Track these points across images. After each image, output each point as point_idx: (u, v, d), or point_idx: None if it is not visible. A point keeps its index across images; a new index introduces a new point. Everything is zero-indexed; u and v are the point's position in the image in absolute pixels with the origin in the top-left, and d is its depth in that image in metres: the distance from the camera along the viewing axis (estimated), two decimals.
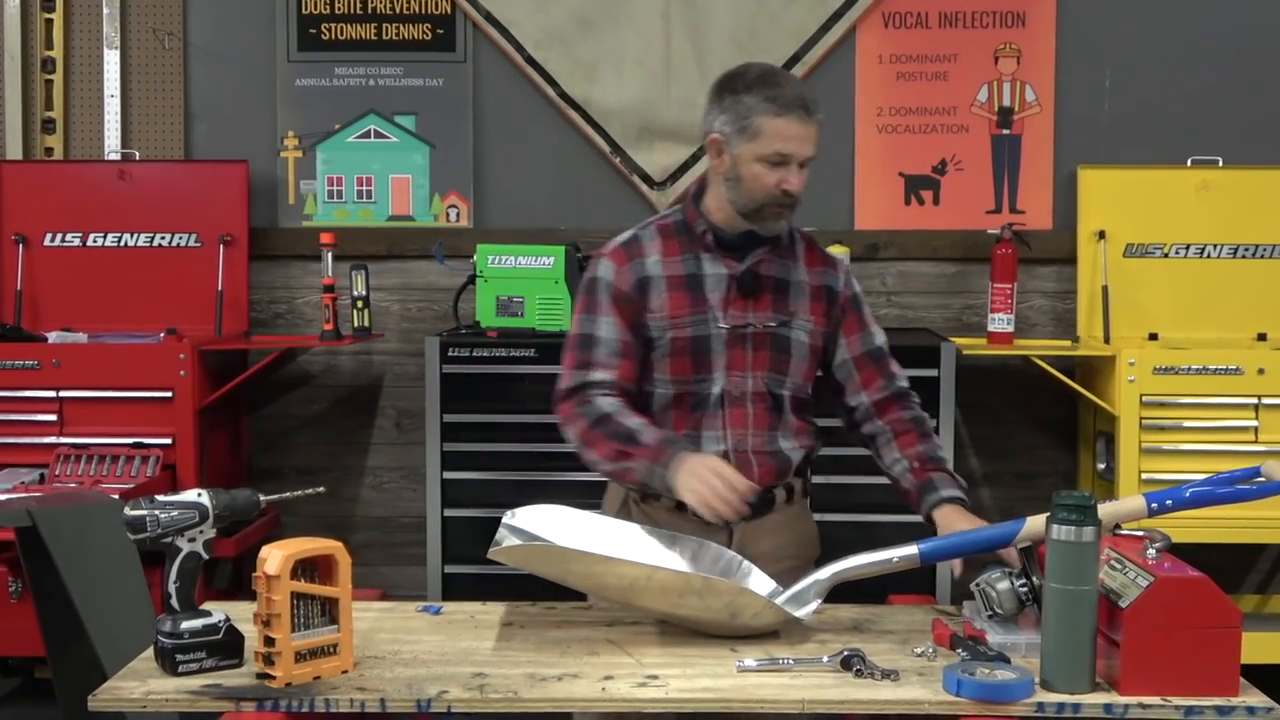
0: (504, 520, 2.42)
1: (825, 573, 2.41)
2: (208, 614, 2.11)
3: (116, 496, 3.66)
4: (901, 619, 2.46)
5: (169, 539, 2.09)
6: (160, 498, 2.10)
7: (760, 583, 2.45)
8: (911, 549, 2.39)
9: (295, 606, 2.02)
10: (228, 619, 2.12)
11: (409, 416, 4.72)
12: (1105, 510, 2.25)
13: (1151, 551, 2.08)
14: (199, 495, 2.11)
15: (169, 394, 4.14)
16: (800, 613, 2.35)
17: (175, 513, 2.09)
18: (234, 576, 4.49)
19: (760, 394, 2.69)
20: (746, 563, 2.48)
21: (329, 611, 2.07)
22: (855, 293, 2.80)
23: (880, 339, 2.81)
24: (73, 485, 3.99)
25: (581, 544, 2.37)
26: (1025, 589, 2.27)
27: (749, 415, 2.68)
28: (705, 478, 2.46)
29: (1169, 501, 2.34)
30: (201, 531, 2.11)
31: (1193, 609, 1.99)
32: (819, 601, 2.38)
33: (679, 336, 2.65)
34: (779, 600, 2.36)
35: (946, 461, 2.73)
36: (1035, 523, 2.34)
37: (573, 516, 2.49)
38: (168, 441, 4.14)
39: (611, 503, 2.82)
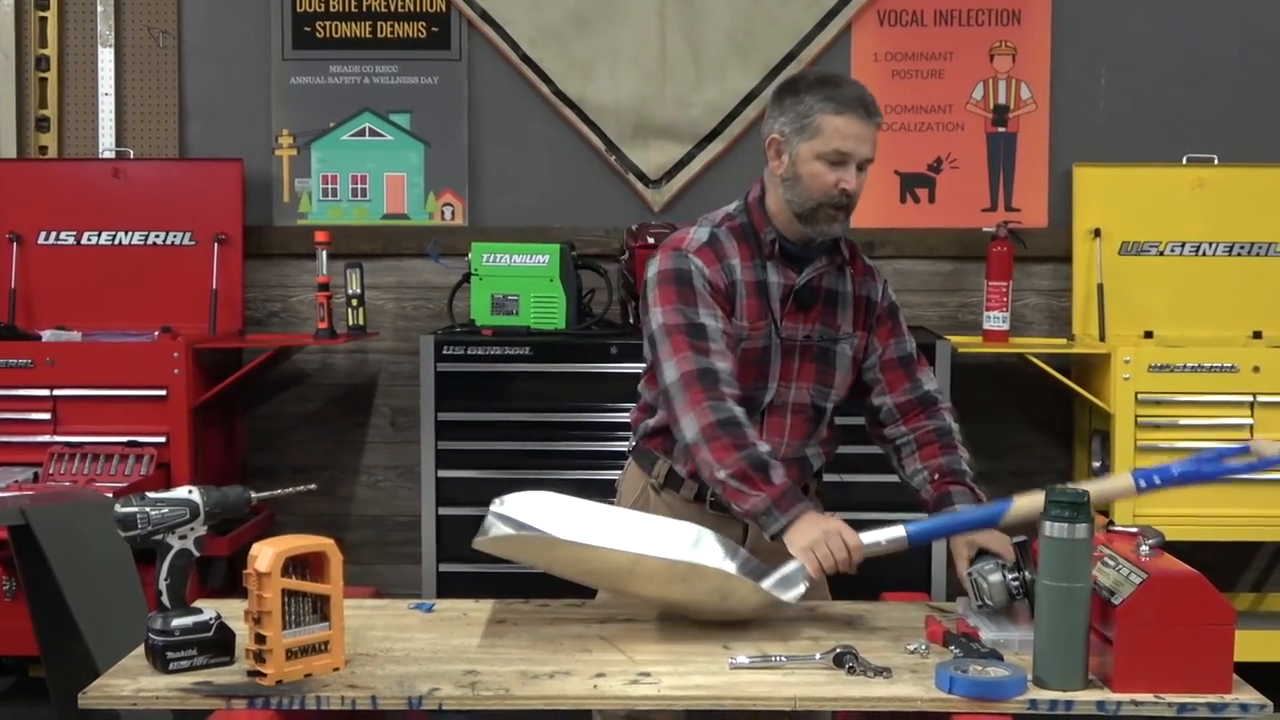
0: (492, 508, 2.41)
1: None
2: (199, 611, 2.10)
3: (110, 495, 3.66)
4: (895, 616, 2.45)
5: (160, 536, 2.08)
6: (151, 495, 2.09)
7: (748, 565, 2.45)
8: (899, 531, 2.39)
9: (286, 604, 2.01)
10: (219, 616, 2.11)
11: (404, 415, 4.71)
12: (1094, 489, 2.21)
13: (1145, 548, 2.08)
14: (190, 492, 2.11)
15: (163, 392, 4.13)
16: (787, 596, 2.35)
17: (166, 510, 2.08)
18: (228, 575, 4.48)
19: (803, 405, 2.67)
20: (742, 550, 2.48)
21: (320, 609, 2.06)
22: (892, 302, 2.78)
23: (911, 346, 2.78)
24: (67, 484, 3.98)
25: (571, 531, 2.37)
26: (1017, 582, 2.27)
27: (787, 425, 2.66)
28: (823, 541, 2.38)
29: (1157, 479, 2.32)
30: (192, 529, 2.10)
31: (1186, 606, 1.99)
32: (806, 585, 2.38)
33: (750, 347, 2.63)
34: (766, 584, 2.36)
35: (968, 475, 2.68)
36: (1023, 503, 2.35)
37: (562, 503, 2.48)
38: (162, 440, 4.14)
39: (631, 488, 2.79)
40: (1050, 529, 2.00)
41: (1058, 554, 2.00)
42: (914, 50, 4.63)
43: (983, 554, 2.40)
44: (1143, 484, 2.32)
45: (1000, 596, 2.29)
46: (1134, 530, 2.17)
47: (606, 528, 2.43)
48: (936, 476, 2.66)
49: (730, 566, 2.41)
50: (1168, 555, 2.11)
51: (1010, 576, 2.28)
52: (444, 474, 4.12)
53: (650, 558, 2.30)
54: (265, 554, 2.00)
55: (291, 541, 2.04)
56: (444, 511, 4.13)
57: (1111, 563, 2.09)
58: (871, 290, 2.75)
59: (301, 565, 2.04)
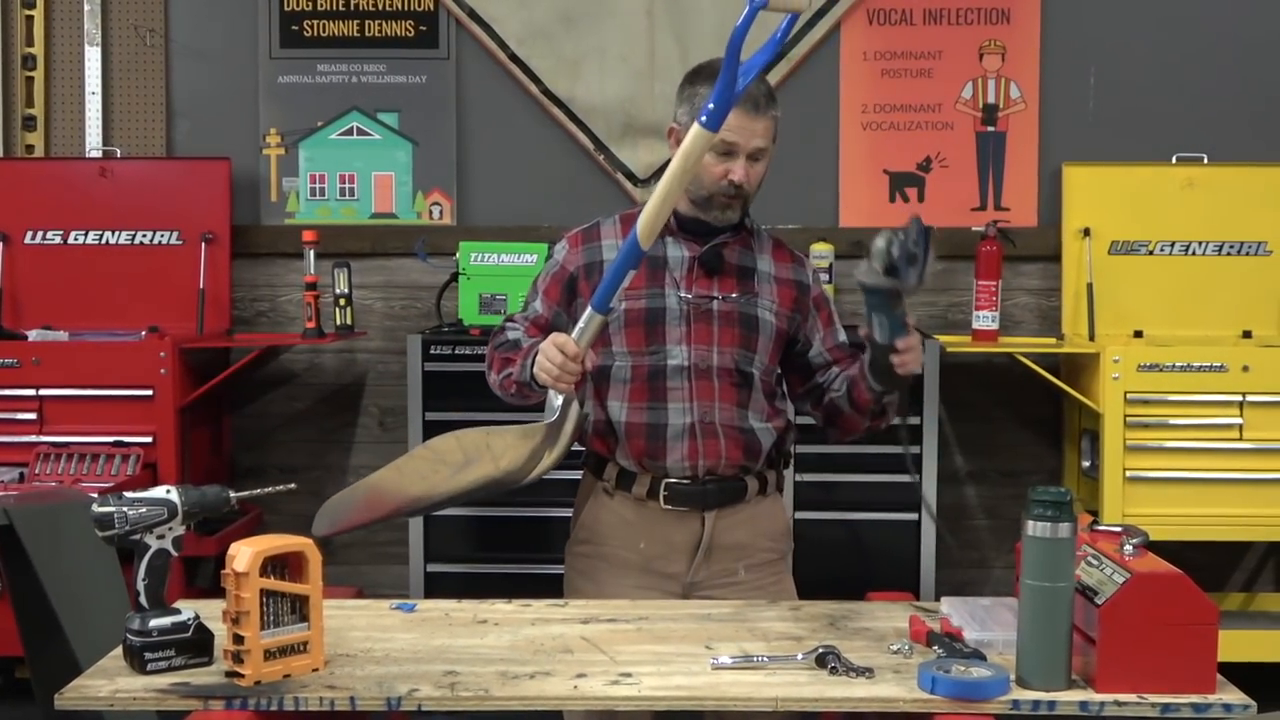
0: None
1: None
2: (177, 612, 2.09)
3: (94, 495, 3.64)
4: (879, 615, 2.44)
5: (137, 535, 2.07)
6: (129, 494, 2.08)
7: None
8: (589, 310, 2.50)
9: (265, 604, 2.00)
10: (197, 617, 2.10)
11: (392, 415, 4.70)
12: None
13: (1128, 548, 2.07)
14: (168, 492, 2.10)
15: (150, 392, 4.12)
16: (549, 419, 2.53)
17: (144, 509, 2.07)
18: (215, 576, 4.43)
19: (728, 369, 2.70)
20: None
21: (299, 609, 2.04)
22: (824, 292, 2.85)
23: (845, 336, 2.85)
24: (52, 484, 3.96)
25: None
26: (897, 248, 2.31)
27: (714, 388, 2.69)
28: (545, 353, 2.50)
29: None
30: (171, 528, 2.09)
31: (1169, 605, 1.98)
32: (560, 404, 2.52)
33: (633, 307, 2.69)
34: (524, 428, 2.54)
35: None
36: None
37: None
38: (148, 440, 4.12)
39: (584, 495, 2.82)
40: (1033, 528, 1.99)
41: (1041, 553, 1.99)
42: (903, 49, 4.63)
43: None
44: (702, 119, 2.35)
45: (880, 260, 2.33)
46: (1118, 529, 2.16)
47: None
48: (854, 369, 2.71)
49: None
50: (1151, 555, 2.10)
51: (896, 241, 2.31)
52: None
53: (439, 440, 2.55)
54: (243, 554, 1.99)
55: (270, 541, 2.02)
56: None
57: (1095, 562, 2.08)
58: (802, 276, 2.81)
59: (280, 565, 2.03)
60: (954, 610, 2.34)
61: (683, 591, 2.69)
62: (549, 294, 2.78)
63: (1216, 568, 4.54)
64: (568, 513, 2.86)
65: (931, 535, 4.04)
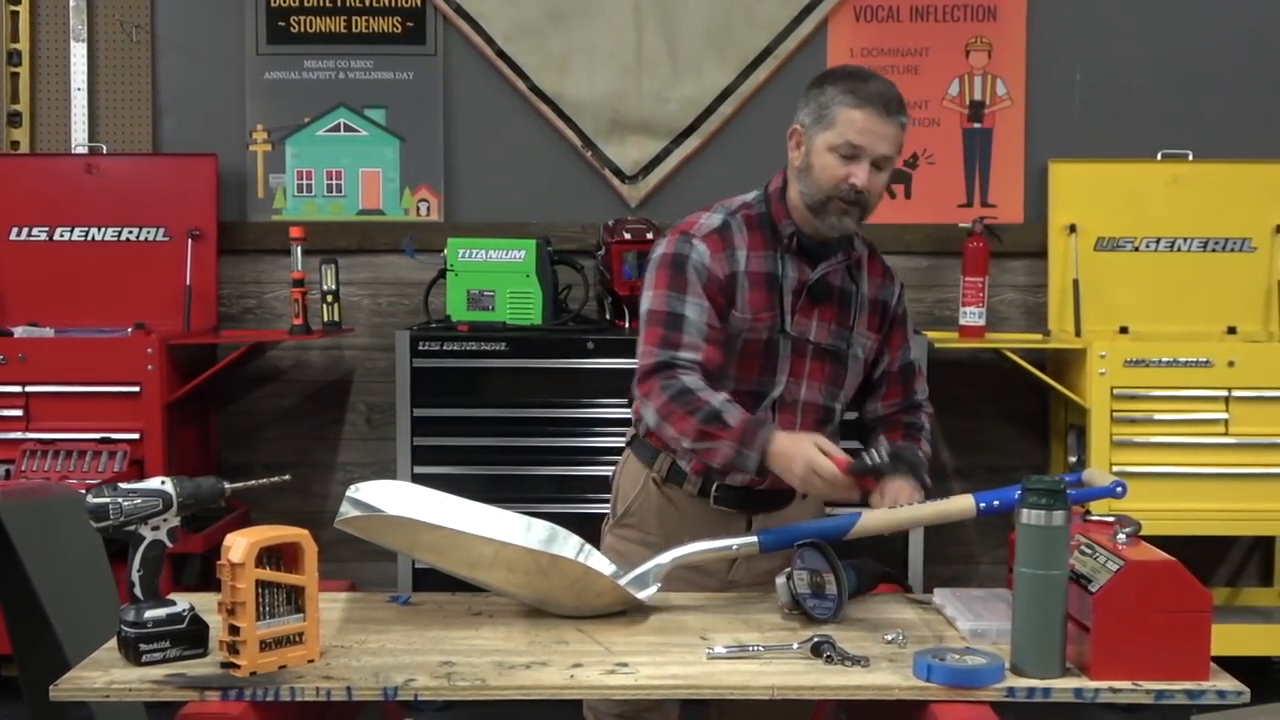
0: (348, 493, 2.39)
1: (666, 557, 2.43)
2: (172, 603, 2.08)
3: (83, 491, 3.62)
4: (872, 607, 2.44)
5: (132, 526, 2.06)
6: (124, 485, 2.07)
7: (600, 563, 2.47)
8: (752, 538, 2.43)
9: (260, 595, 1.99)
10: (192, 608, 2.09)
11: (380, 411, 4.69)
12: (934, 509, 2.35)
13: (1121, 536, 2.08)
14: (162, 483, 2.09)
15: (136, 389, 4.11)
16: (642, 595, 2.37)
17: (139, 500, 2.06)
18: (202, 572, 4.44)
19: (814, 404, 2.66)
20: (588, 546, 2.50)
21: (295, 600, 2.04)
22: (905, 309, 2.78)
23: (914, 354, 2.80)
24: (39, 481, 3.94)
25: (431, 517, 2.37)
26: (803, 584, 2.32)
27: (797, 423, 2.63)
28: (797, 469, 2.38)
29: (996, 503, 2.34)
30: (165, 519, 2.08)
31: (1163, 593, 1.98)
32: (659, 586, 2.40)
33: (753, 339, 2.60)
34: (623, 581, 2.38)
35: (918, 451, 2.65)
36: (871, 517, 2.38)
37: (416, 492, 2.49)
38: (135, 437, 4.11)
39: (630, 481, 2.77)
40: (1027, 516, 2.00)
41: (1035, 541, 2.00)
42: (890, 46, 4.63)
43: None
44: (983, 506, 2.35)
45: (784, 597, 2.35)
46: (1111, 519, 2.17)
47: (464, 518, 2.43)
48: (886, 440, 2.63)
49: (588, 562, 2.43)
50: (1144, 543, 2.11)
51: (796, 579, 2.33)
52: (420, 470, 4.11)
53: (514, 546, 2.31)
54: (239, 544, 1.98)
55: (265, 532, 2.02)
56: None
57: (1089, 551, 2.08)
58: (889, 295, 2.74)
59: (276, 556, 2.02)
60: (947, 601, 2.35)
61: (720, 589, 2.65)
62: (711, 301, 2.57)
63: (1202, 562, 4.53)
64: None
65: (920, 531, 4.04)
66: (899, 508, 2.39)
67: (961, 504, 2.36)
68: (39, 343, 4.20)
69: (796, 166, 2.60)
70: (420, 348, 4.12)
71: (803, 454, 2.37)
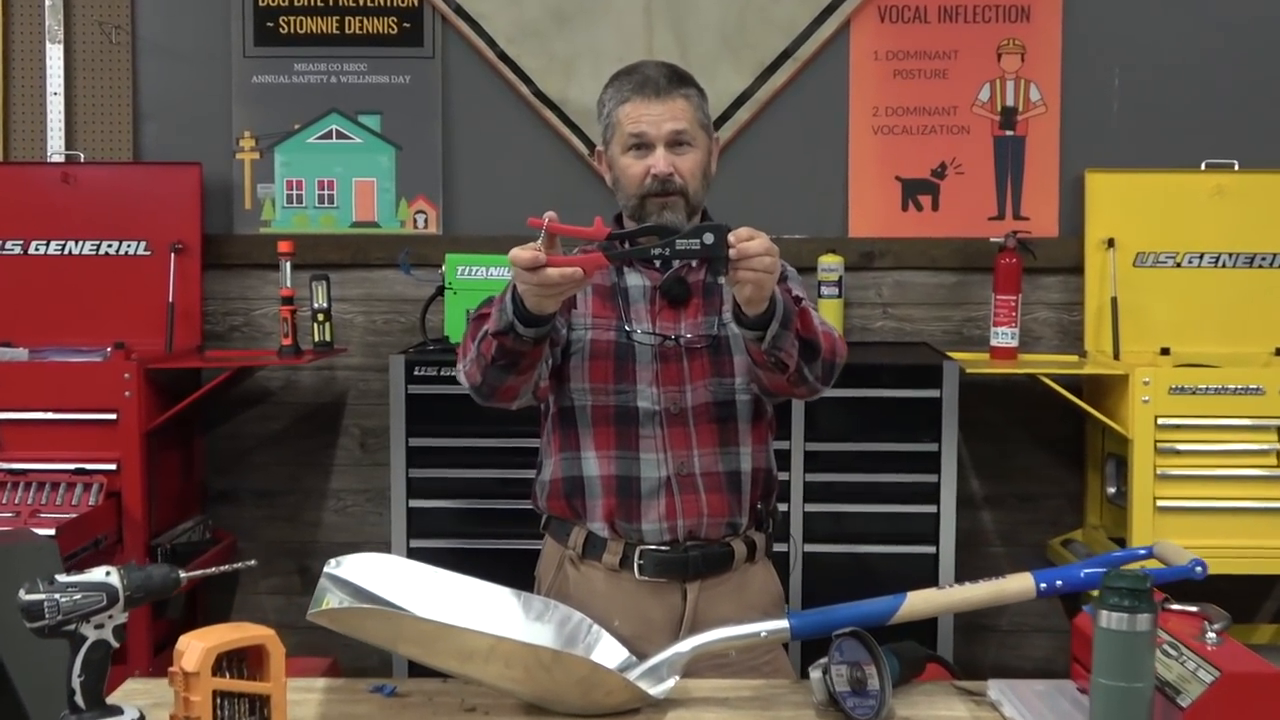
0: (326, 569, 2.14)
1: (686, 645, 2.16)
2: (119, 711, 1.83)
3: (51, 533, 3.40)
4: (918, 701, 2.17)
5: (72, 626, 1.80)
6: (61, 578, 1.81)
7: (610, 651, 2.22)
8: (783, 623, 2.15)
9: (219, 706, 1.74)
10: (142, 716, 1.83)
11: (374, 436, 4.46)
12: (990, 590, 2.12)
13: (1211, 635, 1.82)
14: (107, 574, 1.83)
15: (113, 416, 3.87)
16: (656, 690, 2.10)
17: (79, 596, 1.80)
18: (187, 607, 4.20)
19: (704, 406, 2.46)
20: (596, 627, 2.25)
21: (260, 710, 1.78)
22: (798, 295, 2.51)
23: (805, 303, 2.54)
24: (8, 515, 3.71)
25: (418, 602, 2.12)
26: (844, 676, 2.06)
27: (691, 434, 2.45)
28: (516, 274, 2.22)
29: (1059, 583, 2.11)
30: (111, 616, 1.82)
31: (1264, 708, 1.72)
32: (676, 679, 2.13)
33: (599, 339, 2.46)
34: (633, 675, 2.11)
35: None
36: (917, 599, 2.12)
37: (405, 568, 2.24)
38: (112, 467, 3.87)
39: (547, 565, 2.58)
40: (1107, 620, 1.72)
41: (1116, 649, 1.72)
42: (916, 49, 4.39)
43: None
44: (1043, 586, 2.12)
45: (820, 693, 2.09)
46: (1194, 610, 1.91)
47: (453, 598, 2.18)
48: None
49: (595, 656, 2.18)
50: (1234, 642, 1.84)
51: (834, 671, 2.08)
52: (415, 504, 3.88)
53: (511, 641, 2.05)
54: (193, 649, 1.73)
55: (225, 634, 1.76)
56: (415, 544, 3.88)
57: (1173, 652, 1.82)
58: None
59: (238, 660, 1.77)
60: (1005, 698, 2.09)
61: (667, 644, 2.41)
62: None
63: (1245, 596, 4.32)
64: None
65: (950, 569, 3.80)
66: (946, 588, 2.14)
67: (1020, 584, 2.11)
68: (8, 367, 3.98)
69: (611, 188, 2.55)
70: (416, 373, 3.88)
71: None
